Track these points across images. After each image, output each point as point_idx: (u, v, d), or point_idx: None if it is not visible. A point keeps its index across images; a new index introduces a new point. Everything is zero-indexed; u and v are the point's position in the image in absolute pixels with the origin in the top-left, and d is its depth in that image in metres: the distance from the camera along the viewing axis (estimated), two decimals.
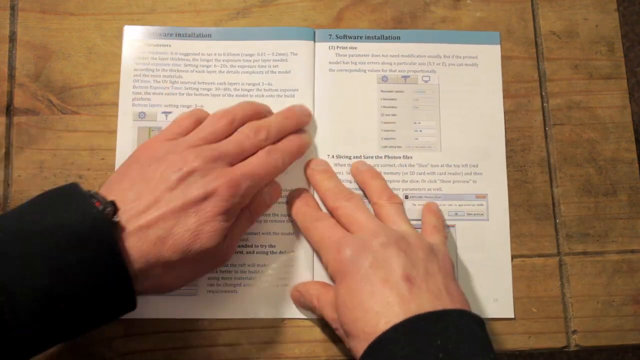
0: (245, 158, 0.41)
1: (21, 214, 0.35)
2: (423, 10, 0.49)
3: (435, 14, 0.49)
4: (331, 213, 0.43)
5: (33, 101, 0.47)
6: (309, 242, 0.43)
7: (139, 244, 0.36)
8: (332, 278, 0.40)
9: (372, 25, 0.49)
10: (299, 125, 0.45)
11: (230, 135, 0.42)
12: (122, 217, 0.36)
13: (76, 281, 0.33)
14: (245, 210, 0.42)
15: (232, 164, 0.40)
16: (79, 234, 0.33)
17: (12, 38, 0.47)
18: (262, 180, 0.41)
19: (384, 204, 0.43)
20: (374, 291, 0.37)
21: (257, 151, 0.42)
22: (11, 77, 0.47)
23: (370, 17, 0.49)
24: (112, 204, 0.36)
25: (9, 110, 0.46)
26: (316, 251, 0.43)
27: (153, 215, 0.37)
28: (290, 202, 0.45)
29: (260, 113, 0.44)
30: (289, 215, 0.45)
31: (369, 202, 0.44)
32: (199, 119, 0.43)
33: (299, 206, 0.44)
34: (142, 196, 0.37)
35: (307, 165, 0.45)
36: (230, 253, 0.41)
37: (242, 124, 0.42)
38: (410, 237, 0.40)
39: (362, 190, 0.45)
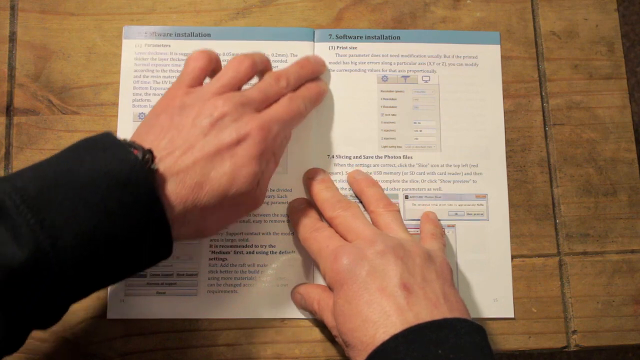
0: (269, 106, 0.41)
1: (58, 162, 0.34)
2: (423, 11, 0.49)
3: (435, 14, 0.49)
4: (329, 223, 0.43)
5: (33, 101, 0.47)
6: (309, 253, 0.43)
7: (177, 189, 0.36)
8: (330, 287, 0.40)
9: (372, 25, 0.49)
10: (314, 73, 0.45)
11: (249, 80, 0.42)
12: (159, 164, 0.36)
13: (117, 225, 0.33)
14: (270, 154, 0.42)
15: (258, 110, 0.40)
16: (118, 180, 0.33)
17: (12, 38, 0.47)
18: (288, 125, 0.42)
19: (381, 212, 0.43)
20: (371, 300, 0.36)
21: (278, 99, 0.42)
22: (11, 77, 0.47)
23: (370, 17, 0.49)
24: (150, 151, 0.36)
25: (9, 110, 0.46)
26: (314, 261, 0.42)
27: (189, 161, 0.37)
28: (290, 214, 0.45)
29: (267, 62, 0.44)
30: (289, 221, 0.45)
31: (366, 210, 0.44)
32: (211, 60, 0.42)
33: (299, 217, 0.44)
34: (176, 143, 0.37)
35: (305, 175, 0.46)
36: (262, 197, 0.41)
37: (262, 70, 0.43)
38: (408, 244, 0.40)
39: (358, 199, 0.45)
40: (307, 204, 0.45)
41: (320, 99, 0.46)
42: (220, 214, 0.39)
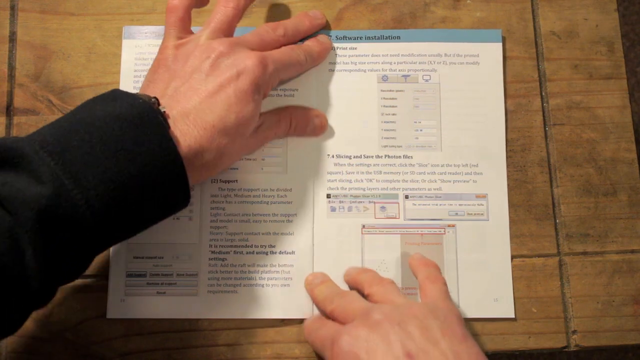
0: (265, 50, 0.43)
1: (73, 114, 0.35)
2: (423, 11, 0.49)
3: (435, 14, 0.49)
4: (331, 317, 0.42)
5: (33, 101, 0.47)
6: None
7: (189, 129, 0.37)
8: None
9: (372, 25, 0.49)
10: (313, 26, 0.47)
11: (239, 20, 0.44)
12: (167, 108, 0.37)
13: (134, 163, 0.34)
14: (286, 118, 0.44)
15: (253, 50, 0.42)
16: (130, 121, 0.34)
17: (12, 38, 0.47)
18: (285, 68, 0.43)
19: (375, 289, 0.41)
20: None
21: (277, 47, 0.44)
22: (11, 77, 0.47)
23: (370, 17, 0.49)
24: (156, 98, 0.37)
25: (9, 110, 0.46)
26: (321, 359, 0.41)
27: (195, 102, 0.38)
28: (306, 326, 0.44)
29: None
30: (290, 221, 0.45)
31: (364, 296, 0.42)
32: (188, 5, 0.44)
33: (307, 322, 0.43)
34: (180, 89, 0.39)
35: (306, 282, 0.45)
36: (260, 143, 0.44)
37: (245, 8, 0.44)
38: (403, 307, 0.38)
39: (355, 289, 0.44)
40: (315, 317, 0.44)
41: (323, 56, 0.47)
42: (232, 147, 0.40)
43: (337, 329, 0.39)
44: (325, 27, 0.49)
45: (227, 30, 0.43)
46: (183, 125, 0.37)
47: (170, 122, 0.37)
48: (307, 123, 0.45)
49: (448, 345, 0.35)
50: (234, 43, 0.41)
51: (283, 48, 0.44)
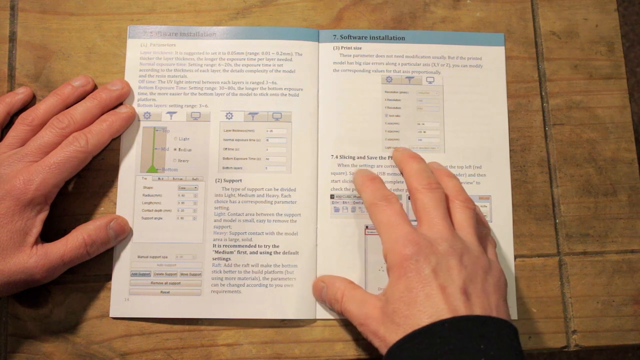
0: (50, 151, 0.42)
1: None
2: (423, 10, 0.49)
3: (435, 14, 0.49)
4: (410, 193, 0.42)
5: (32, 101, 0.47)
6: (371, 219, 0.42)
7: None
8: (388, 266, 0.40)
9: (371, 25, 0.49)
10: (104, 106, 0.45)
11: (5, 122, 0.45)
12: None
13: None
14: (76, 239, 0.42)
15: (35, 161, 0.42)
16: None
17: (12, 38, 0.47)
18: (61, 170, 0.42)
19: (459, 205, 0.42)
20: (431, 295, 0.37)
21: (64, 139, 0.43)
22: (11, 77, 0.47)
23: (370, 17, 0.49)
24: None
25: None
26: (376, 228, 0.41)
27: None
28: (357, 177, 0.44)
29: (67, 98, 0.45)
30: (294, 221, 0.45)
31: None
32: None
33: (366, 181, 0.43)
34: None
35: (395, 150, 0.46)
36: (42, 266, 0.41)
37: (44, 121, 0.44)
38: (475, 251, 0.39)
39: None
40: (376, 175, 0.45)
41: (117, 128, 0.45)
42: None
43: (409, 231, 0.39)
44: (325, 27, 0.48)
45: (17, 145, 0.43)
46: None
47: None
48: (106, 233, 0.43)
49: (495, 300, 0.38)
50: (15, 160, 0.42)
51: (59, 147, 0.42)
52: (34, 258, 0.40)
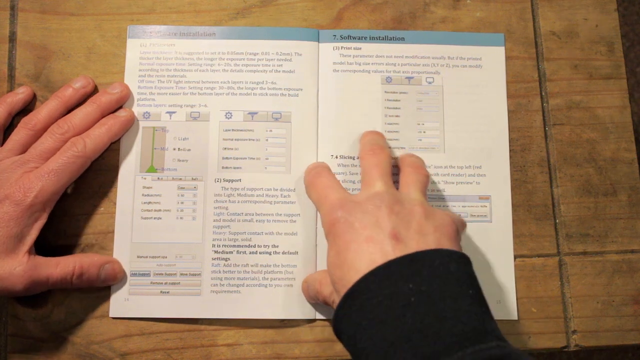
0: (50, 157, 0.43)
1: None
2: (423, 10, 0.49)
3: (435, 14, 0.49)
4: (360, 162, 0.43)
5: (33, 101, 0.47)
6: (311, 201, 0.43)
7: None
8: (327, 239, 0.39)
9: (371, 26, 0.49)
10: (103, 109, 0.45)
11: (6, 124, 0.45)
12: None
13: None
14: (68, 265, 0.42)
15: (35, 168, 0.42)
16: None
17: (12, 38, 0.47)
18: (60, 176, 0.42)
19: (409, 171, 0.42)
20: (359, 249, 0.36)
21: (63, 144, 0.43)
22: (11, 77, 0.47)
23: (370, 17, 0.49)
24: None
25: None
26: (317, 208, 0.42)
27: None
28: (306, 171, 0.45)
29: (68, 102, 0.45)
30: (294, 222, 0.45)
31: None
32: None
33: (310, 166, 0.44)
34: None
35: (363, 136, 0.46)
36: (25, 279, 0.41)
37: (47, 125, 0.44)
38: (411, 202, 0.39)
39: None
40: (319, 163, 0.45)
41: (115, 131, 0.45)
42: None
43: (338, 197, 0.40)
44: (325, 27, 0.48)
45: (18, 152, 0.43)
46: None
47: None
48: (98, 272, 0.43)
49: (435, 240, 0.36)
50: (15, 166, 0.42)
51: (58, 153, 0.42)
52: (22, 267, 0.40)
